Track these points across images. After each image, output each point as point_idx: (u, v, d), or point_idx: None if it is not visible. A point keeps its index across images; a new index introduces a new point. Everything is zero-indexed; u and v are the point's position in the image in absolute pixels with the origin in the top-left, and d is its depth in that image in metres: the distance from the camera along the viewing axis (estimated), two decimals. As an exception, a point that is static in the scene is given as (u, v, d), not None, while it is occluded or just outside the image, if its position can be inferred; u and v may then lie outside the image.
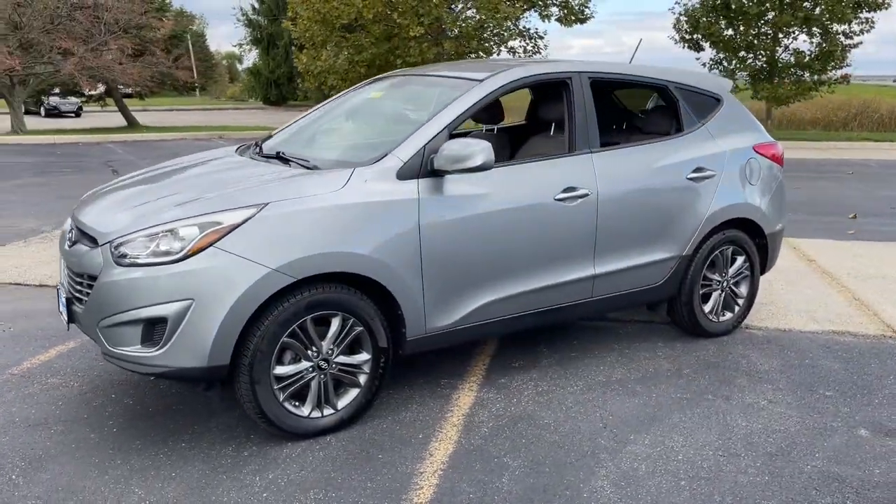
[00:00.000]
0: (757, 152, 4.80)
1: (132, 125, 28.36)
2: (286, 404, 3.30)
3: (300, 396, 3.36)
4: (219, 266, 3.05)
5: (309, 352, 3.30)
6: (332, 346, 3.35)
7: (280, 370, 3.24)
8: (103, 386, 3.92)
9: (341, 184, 3.39)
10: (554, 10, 19.69)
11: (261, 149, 4.28)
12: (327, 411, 3.41)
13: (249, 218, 3.14)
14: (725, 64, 23.94)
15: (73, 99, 37.56)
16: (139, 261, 3.07)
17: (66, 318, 3.47)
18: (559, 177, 3.96)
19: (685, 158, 4.44)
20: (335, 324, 3.34)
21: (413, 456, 3.22)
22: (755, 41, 22.84)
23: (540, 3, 19.15)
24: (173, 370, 3.10)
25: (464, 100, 3.80)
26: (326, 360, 3.35)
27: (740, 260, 4.77)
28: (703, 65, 24.73)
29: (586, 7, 19.80)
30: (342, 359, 3.40)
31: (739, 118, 4.87)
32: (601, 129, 4.70)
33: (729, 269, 4.73)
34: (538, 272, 3.91)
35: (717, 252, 4.63)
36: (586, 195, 3.99)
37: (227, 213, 3.15)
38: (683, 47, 24.55)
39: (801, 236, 7.98)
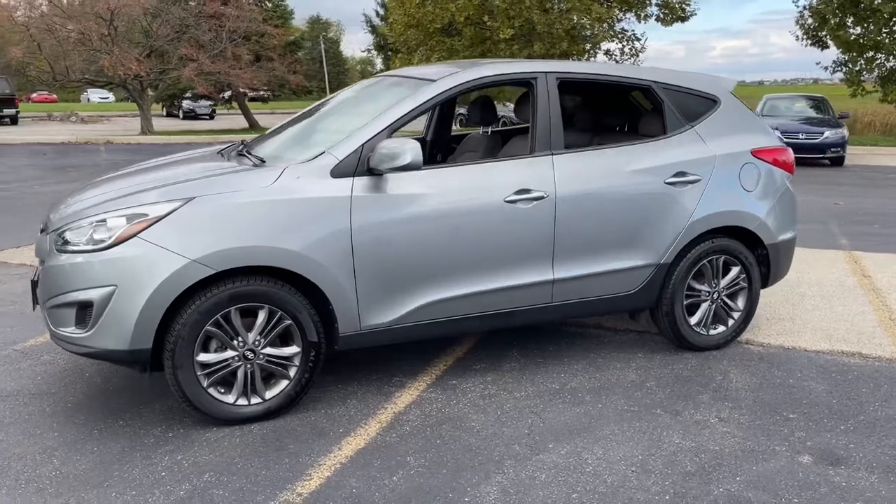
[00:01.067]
0: (756, 157, 4.52)
1: (252, 127, 30.00)
2: (211, 390, 3.44)
3: (228, 384, 3.50)
4: (141, 255, 3.24)
5: (234, 342, 3.43)
6: (258, 338, 3.47)
7: (204, 357, 3.39)
8: (85, 365, 4.22)
9: (271, 180, 3.50)
10: (652, 9, 19.11)
11: (244, 146, 4.47)
12: (254, 400, 3.53)
13: (173, 210, 3.32)
14: (850, 65, 22.45)
15: (205, 102, 40.08)
16: (77, 248, 3.31)
17: (32, 300, 3.78)
18: (512, 178, 3.90)
19: (665, 162, 4.25)
20: (261, 316, 3.46)
21: (322, 449, 3.29)
22: (886, 40, 21.28)
23: (637, 3, 18.62)
24: (99, 351, 3.32)
25: (411, 100, 3.83)
26: (253, 351, 3.47)
27: (735, 271, 4.50)
28: (825, 68, 23.30)
29: (687, 5, 19.06)
30: (270, 350, 3.51)
31: (738, 120, 4.60)
32: (597, 130, 4.57)
33: (720, 279, 4.48)
34: (488, 274, 3.87)
35: (705, 261, 4.39)
36: (542, 197, 3.90)
37: (154, 206, 3.34)
38: (806, 45, 23.23)
39: (881, 250, 7.40)
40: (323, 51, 56.37)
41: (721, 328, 4.57)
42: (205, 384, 3.42)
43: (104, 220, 3.32)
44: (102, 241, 3.27)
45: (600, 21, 16.86)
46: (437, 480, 3.03)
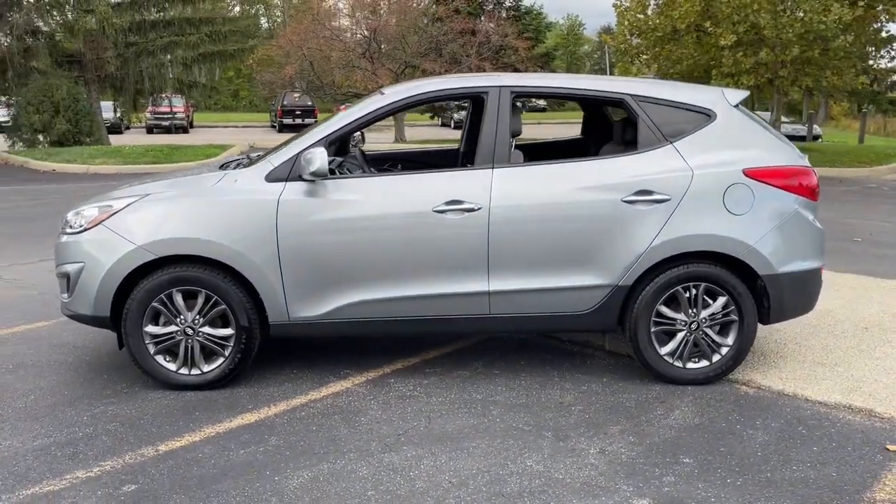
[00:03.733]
0: (751, 177, 4.06)
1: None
2: (158, 357, 4.06)
3: (174, 355, 4.10)
4: (102, 239, 3.97)
5: (177, 319, 4.02)
6: (197, 317, 4.02)
7: (151, 329, 4.02)
8: (85, 343, 5.09)
9: (212, 183, 4.04)
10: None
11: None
12: (194, 371, 4.09)
13: (130, 204, 4.00)
14: None
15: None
16: (66, 231, 4.13)
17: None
18: (445, 189, 4.01)
19: (625, 179, 4.03)
20: (200, 299, 4.01)
21: (215, 419, 3.74)
22: None
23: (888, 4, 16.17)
24: (75, 314, 4.11)
25: (354, 112, 4.12)
26: (192, 328, 4.03)
27: (720, 301, 4.10)
28: None
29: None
30: (208, 330, 4.05)
31: (736, 137, 4.17)
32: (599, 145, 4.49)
33: (700, 310, 4.11)
34: (418, 280, 4.03)
35: (677, 287, 4.07)
36: (473, 209, 3.96)
37: (119, 200, 4.05)
38: None
39: None
40: (608, 59, 56.34)
41: (704, 363, 4.18)
42: (152, 351, 4.05)
43: (83, 209, 4.10)
44: (81, 226, 4.06)
45: (841, 25, 14.95)
46: (270, 459, 3.32)
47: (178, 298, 4.00)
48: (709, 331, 4.13)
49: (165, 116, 32.16)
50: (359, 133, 5.72)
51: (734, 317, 4.12)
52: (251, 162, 4.28)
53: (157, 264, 3.96)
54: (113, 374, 4.33)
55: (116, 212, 4.00)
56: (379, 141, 25.35)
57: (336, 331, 4.12)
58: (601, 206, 4.01)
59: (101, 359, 4.60)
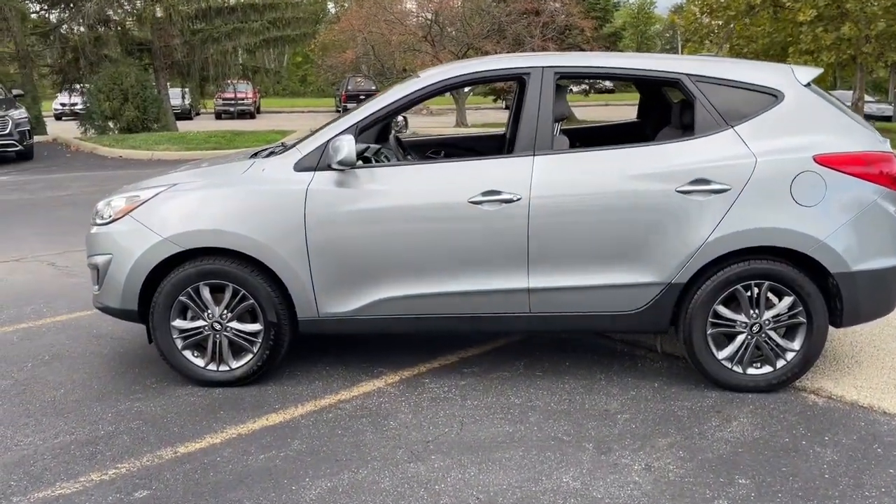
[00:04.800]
0: (823, 164, 3.66)
1: (568, 119, 30.49)
2: (185, 353, 3.94)
3: (203, 349, 3.97)
4: (129, 230, 3.86)
5: (204, 313, 3.89)
6: (225, 312, 3.88)
7: (179, 323, 3.90)
8: (123, 335, 4.99)
9: (240, 172, 3.87)
10: None
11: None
12: (223, 368, 3.95)
13: (157, 195, 3.87)
14: None
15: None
16: (96, 221, 4.04)
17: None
18: (480, 179, 3.75)
19: (679, 167, 3.67)
20: (227, 293, 3.86)
21: (241, 419, 3.59)
22: None
23: None
24: (105, 307, 4.02)
25: (387, 97, 3.89)
26: (220, 323, 3.89)
27: (786, 301, 3.72)
28: None
29: None
30: (236, 325, 3.90)
31: (807, 119, 3.76)
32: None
33: (763, 310, 3.74)
34: (451, 275, 3.79)
35: (738, 286, 3.71)
36: (512, 200, 3.68)
37: (146, 191, 3.93)
38: None
39: None
40: (679, 42, 54.64)
41: (767, 369, 3.81)
42: (180, 346, 3.93)
43: (113, 200, 4.00)
44: (109, 216, 3.95)
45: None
46: (289, 465, 3.15)
47: (206, 292, 3.86)
48: (772, 333, 3.76)
49: (233, 102, 32.67)
50: (402, 118, 5.51)
51: (802, 319, 3.73)
52: (285, 150, 4.10)
53: (185, 257, 3.83)
54: (145, 368, 4.24)
55: (144, 202, 3.88)
56: (439, 125, 25.12)
57: (367, 328, 3.92)
58: (652, 196, 3.67)
59: (136, 351, 4.52)
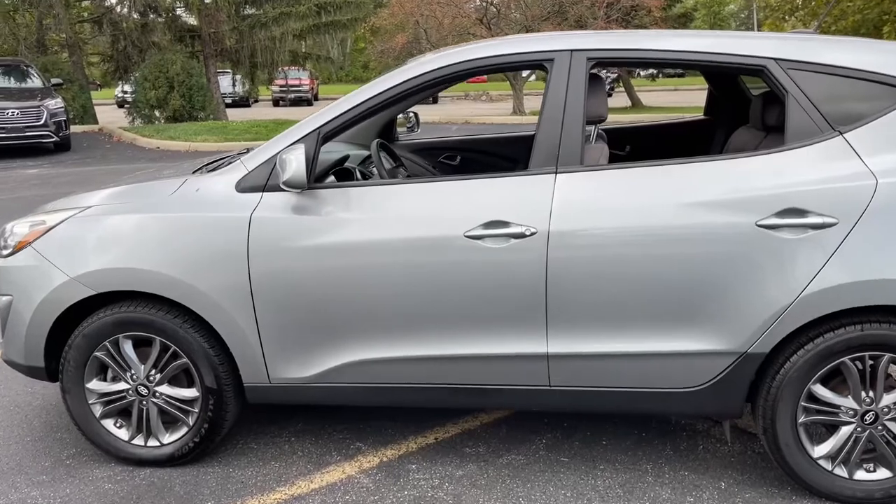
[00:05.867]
0: (976, 188, 2.52)
1: (634, 105, 29.04)
2: (105, 422, 3.08)
3: (127, 419, 3.09)
4: (30, 266, 3.01)
5: (127, 373, 3.01)
6: (152, 372, 2.99)
7: (96, 385, 3.04)
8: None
9: (169, 192, 2.96)
10: None
11: None
12: (151, 442, 3.07)
13: (64, 221, 2.99)
14: None
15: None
16: (4, 253, 3.18)
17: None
18: (482, 204, 2.74)
19: (762, 191, 2.59)
20: (155, 349, 2.97)
21: (157, 524, 2.70)
22: None
23: None
24: (10, 361, 3.17)
25: (356, 95, 2.91)
26: (147, 387, 3.01)
27: (915, 382, 2.62)
28: None
29: None
30: (166, 389, 3.01)
31: (951, 122, 2.61)
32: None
33: (881, 393, 2.64)
34: (443, 335, 2.81)
35: (844, 359, 2.62)
36: (523, 235, 2.67)
37: (54, 214, 3.06)
38: None
39: None
40: (756, 21, 51.74)
41: (884, 474, 2.70)
42: (98, 413, 3.06)
43: (15, 225, 3.14)
44: (9, 247, 3.10)
45: None
46: None
47: (128, 347, 2.99)
48: (893, 426, 2.65)
49: (289, 89, 32.20)
50: (412, 114, 4.53)
51: (936, 407, 2.62)
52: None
53: (101, 301, 2.95)
54: (72, 433, 3.37)
55: (48, 230, 3.01)
56: (494, 113, 24.00)
57: (333, 398, 2.98)
58: (722, 232, 2.60)
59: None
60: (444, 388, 2.87)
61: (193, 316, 2.90)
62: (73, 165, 12.94)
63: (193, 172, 3.15)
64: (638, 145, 4.08)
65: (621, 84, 32.46)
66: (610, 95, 39.75)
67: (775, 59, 2.70)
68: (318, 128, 2.86)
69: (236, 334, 2.88)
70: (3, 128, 13.22)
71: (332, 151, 3.59)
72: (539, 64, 2.84)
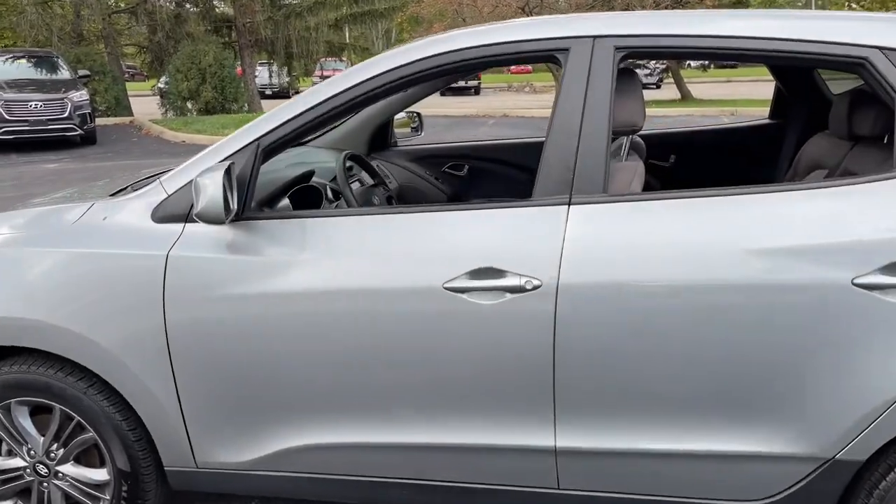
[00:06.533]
0: None
1: (684, 98, 27.86)
2: (0, 506, 2.46)
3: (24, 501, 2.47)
4: None
5: (23, 448, 2.38)
6: (53, 447, 2.36)
7: (-15, 462, 2.41)
8: None
9: (70, 221, 2.31)
10: None
11: None
12: (55, 534, 2.44)
13: (-56, 255, 2.36)
14: None
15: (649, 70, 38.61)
16: None
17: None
18: (467, 245, 2.03)
19: (859, 237, 1.82)
20: (55, 418, 2.33)
21: None
22: None
23: None
24: None
25: (313, 95, 2.21)
26: (46, 465, 2.37)
27: None
28: None
29: None
30: (70, 469, 2.37)
31: None
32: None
33: None
34: (418, 417, 2.11)
35: (976, 473, 1.85)
36: (525, 288, 1.95)
37: (-65, 245, 2.42)
38: None
39: None
40: (814, 3, 49.51)
41: None
42: (-11, 497, 2.45)
43: None
44: None
45: None
46: None
47: (22, 416, 2.36)
48: None
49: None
50: (415, 114, 3.83)
51: None
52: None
53: (-11, 358, 2.32)
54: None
55: (-76, 266, 2.39)
56: (535, 105, 23.06)
57: (278, 489, 2.30)
58: (802, 292, 1.84)
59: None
60: (419, 486, 2.17)
61: (101, 379, 2.25)
62: (94, 160, 12.55)
63: (113, 194, 2.48)
64: (686, 155, 3.32)
65: (671, 75, 31.23)
66: (658, 87, 38.64)
67: (881, 49, 1.91)
68: (258, 139, 2.17)
69: (151, 405, 2.22)
70: (25, 121, 12.90)
71: (303, 164, 2.93)
72: (549, 55, 2.09)
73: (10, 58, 14.91)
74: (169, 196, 2.21)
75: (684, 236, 1.92)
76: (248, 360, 2.15)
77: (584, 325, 1.94)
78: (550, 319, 1.95)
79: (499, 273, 1.97)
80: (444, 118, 19.73)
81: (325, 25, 20.45)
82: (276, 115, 2.20)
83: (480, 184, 3.58)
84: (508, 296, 1.96)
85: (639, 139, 2.87)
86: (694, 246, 1.90)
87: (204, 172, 2.00)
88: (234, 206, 2.05)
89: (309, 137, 3.23)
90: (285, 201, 2.52)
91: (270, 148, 2.19)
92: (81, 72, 15.10)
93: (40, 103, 13.05)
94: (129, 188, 2.52)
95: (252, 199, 2.17)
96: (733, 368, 1.91)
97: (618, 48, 2.03)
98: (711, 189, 1.96)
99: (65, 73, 14.61)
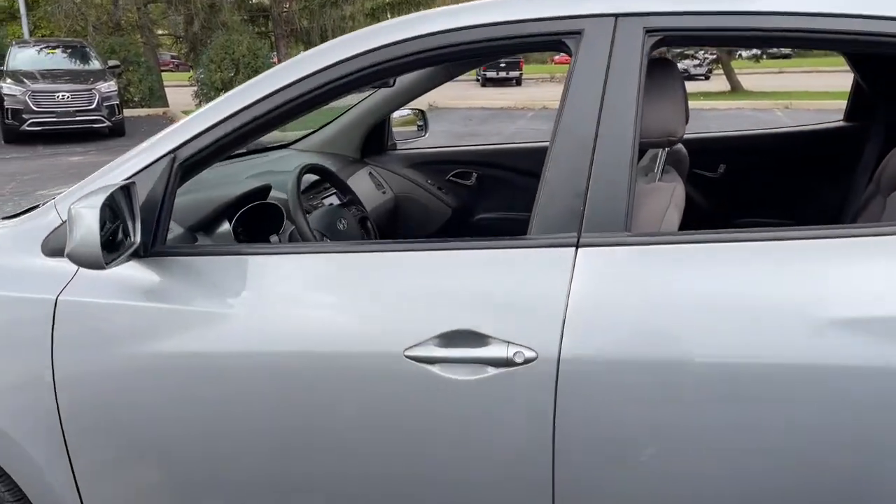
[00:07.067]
0: None
1: (734, 89, 26.87)
2: None
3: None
4: None
5: None
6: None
7: None
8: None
9: (-51, 252, 1.83)
10: None
11: None
12: None
13: None
14: None
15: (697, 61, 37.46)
16: None
17: None
18: (439, 298, 1.50)
19: None
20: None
21: None
22: None
23: None
24: None
25: (242, 94, 1.70)
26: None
27: None
28: None
29: None
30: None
31: None
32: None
33: None
34: (372, 519, 1.59)
35: None
36: (515, 362, 1.41)
37: None
38: None
39: None
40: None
41: None
42: None
43: None
44: None
45: None
46: None
47: None
48: None
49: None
50: (419, 111, 3.31)
51: None
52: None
53: None
54: None
55: None
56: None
57: None
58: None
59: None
60: None
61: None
62: (121, 152, 12.24)
63: (6, 217, 2.00)
64: (738, 164, 2.73)
65: (720, 66, 30.15)
66: (706, 79, 37.30)
67: None
68: (173, 151, 1.67)
69: (41, 484, 1.75)
70: (52, 112, 12.70)
71: (269, 173, 2.44)
72: (556, 41, 1.54)
73: (41, 48, 14.78)
74: (63, 222, 1.72)
75: (736, 297, 1.36)
76: (156, 434, 1.65)
77: (595, 414, 1.40)
78: (548, 404, 1.41)
79: (479, 339, 1.43)
80: (481, 110, 19.14)
81: (362, 14, 20.02)
82: (200, 117, 1.70)
83: (491, 195, 3.05)
84: (491, 370, 1.43)
85: (681, 148, 2.30)
86: (749, 312, 1.34)
87: (84, 197, 1.51)
88: (135, 239, 1.56)
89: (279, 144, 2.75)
90: (225, 226, 2.01)
91: (192, 162, 1.68)
92: (111, 62, 14.88)
93: (67, 94, 12.84)
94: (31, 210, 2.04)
95: (166, 228, 1.67)
96: (801, 473, 1.35)
97: (649, 30, 1.46)
98: (773, 230, 1.39)
99: (95, 64, 14.42)
